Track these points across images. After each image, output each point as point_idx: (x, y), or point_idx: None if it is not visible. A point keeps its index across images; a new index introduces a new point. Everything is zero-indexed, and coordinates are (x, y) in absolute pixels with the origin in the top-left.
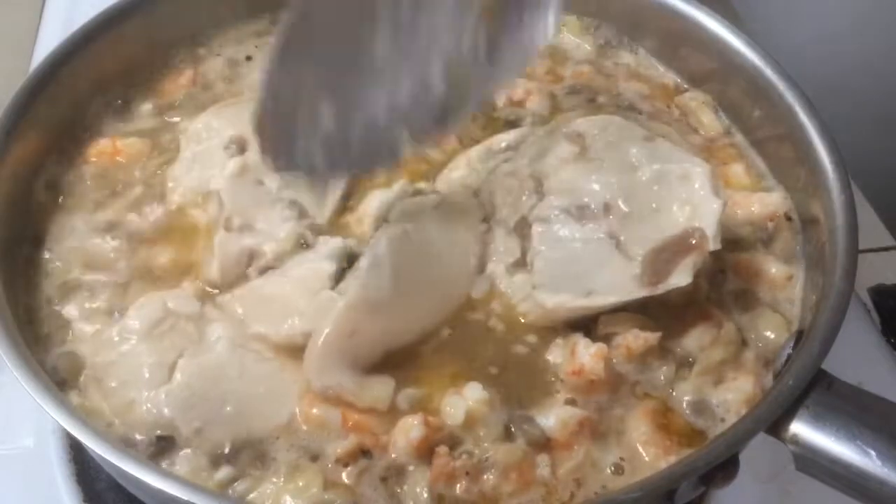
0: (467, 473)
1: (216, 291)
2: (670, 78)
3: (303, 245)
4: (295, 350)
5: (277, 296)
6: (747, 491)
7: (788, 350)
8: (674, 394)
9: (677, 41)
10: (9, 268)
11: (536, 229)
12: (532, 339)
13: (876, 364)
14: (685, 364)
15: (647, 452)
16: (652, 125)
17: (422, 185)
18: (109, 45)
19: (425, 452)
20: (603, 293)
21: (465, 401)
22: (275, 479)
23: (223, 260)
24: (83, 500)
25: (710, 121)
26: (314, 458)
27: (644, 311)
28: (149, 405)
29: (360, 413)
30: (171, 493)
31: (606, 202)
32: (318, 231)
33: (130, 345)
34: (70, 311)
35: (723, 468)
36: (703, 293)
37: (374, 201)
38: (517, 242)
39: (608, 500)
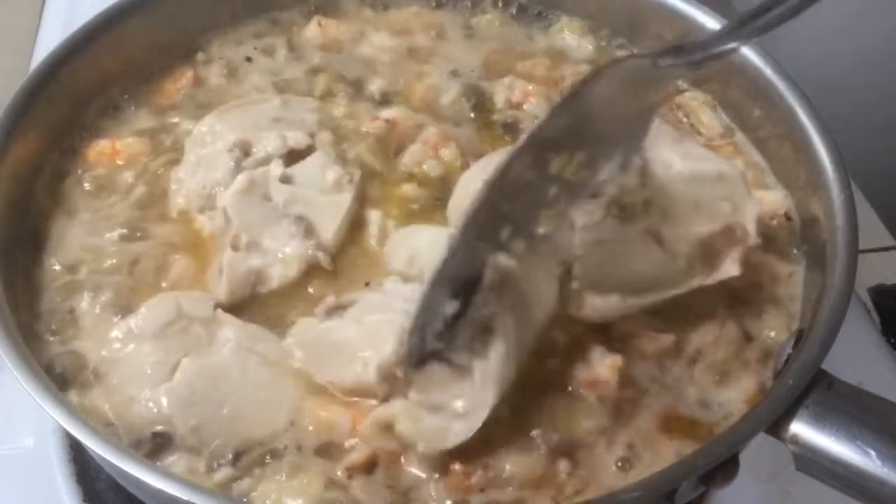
0: (482, 490)
1: None
2: None
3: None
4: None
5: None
6: (747, 491)
7: (788, 350)
8: (681, 392)
9: (677, 41)
10: (9, 268)
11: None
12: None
13: (876, 364)
14: (691, 363)
15: (653, 449)
16: None
17: None
18: (109, 45)
19: (438, 464)
20: (653, 290)
21: None
22: (277, 478)
23: (232, 281)
24: (83, 500)
25: (709, 120)
26: (317, 458)
27: (655, 312)
28: (148, 402)
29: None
30: (170, 493)
31: (646, 199)
32: (326, 249)
33: (136, 343)
34: (71, 311)
35: (723, 468)
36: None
37: (419, 239)
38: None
39: (608, 500)
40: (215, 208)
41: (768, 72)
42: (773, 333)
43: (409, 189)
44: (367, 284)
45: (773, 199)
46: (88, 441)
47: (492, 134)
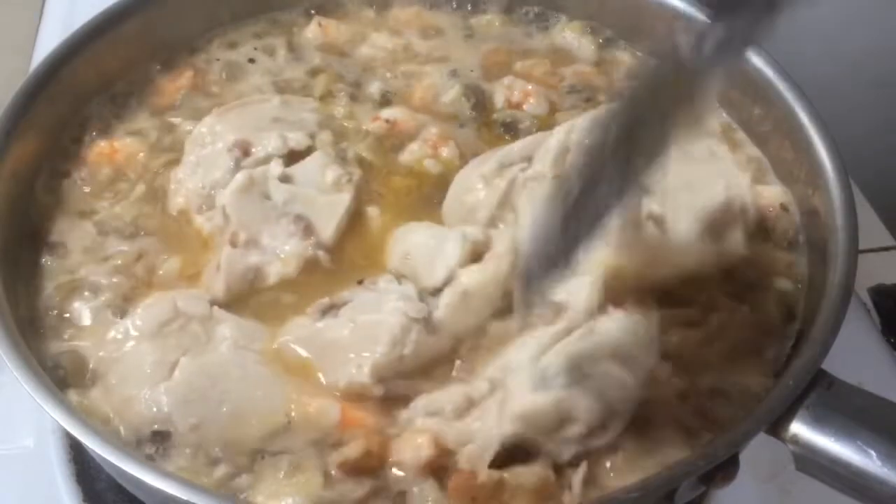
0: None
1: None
2: None
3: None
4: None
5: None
6: (747, 491)
7: (788, 350)
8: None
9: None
10: (9, 268)
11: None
12: None
13: (876, 364)
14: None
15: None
16: None
17: None
18: (109, 45)
19: (434, 471)
20: (672, 263)
21: None
22: (276, 476)
23: (229, 277)
24: (83, 500)
25: (709, 119)
26: (316, 456)
27: (674, 301)
28: (148, 401)
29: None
30: (170, 493)
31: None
32: (325, 248)
33: (134, 343)
34: (71, 310)
35: (723, 468)
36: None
37: (414, 236)
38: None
39: (608, 500)
40: (215, 208)
41: (768, 71)
42: (773, 331)
43: (407, 187)
44: (360, 283)
45: (772, 192)
46: (88, 441)
47: (491, 133)
